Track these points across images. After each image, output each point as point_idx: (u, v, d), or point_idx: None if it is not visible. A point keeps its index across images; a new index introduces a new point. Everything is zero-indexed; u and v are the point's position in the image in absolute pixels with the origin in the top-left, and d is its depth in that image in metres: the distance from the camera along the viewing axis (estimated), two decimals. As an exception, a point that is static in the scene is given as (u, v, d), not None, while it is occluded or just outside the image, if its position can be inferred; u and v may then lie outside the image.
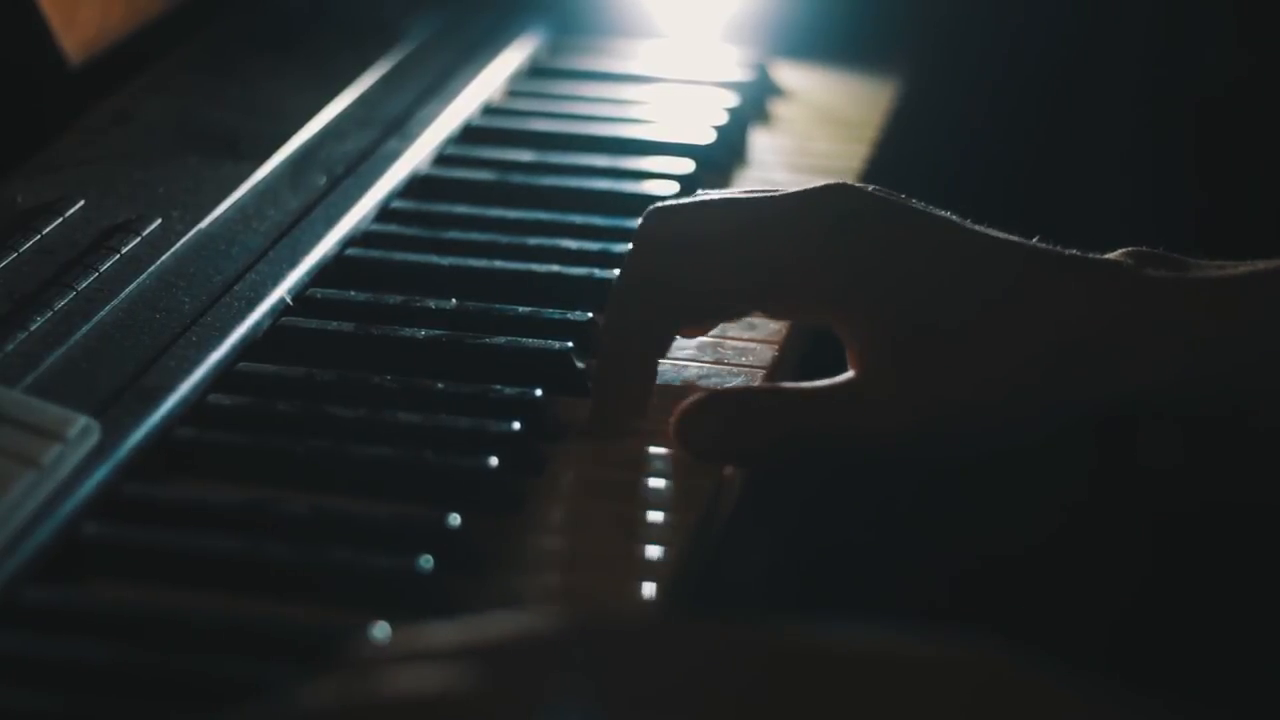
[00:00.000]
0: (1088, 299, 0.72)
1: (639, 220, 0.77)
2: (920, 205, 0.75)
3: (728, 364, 0.81)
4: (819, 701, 0.48)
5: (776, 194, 0.75)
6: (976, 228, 0.74)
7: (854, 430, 0.72)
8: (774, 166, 1.03)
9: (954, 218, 0.75)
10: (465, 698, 0.47)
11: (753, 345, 0.82)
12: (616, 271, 0.84)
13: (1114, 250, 0.74)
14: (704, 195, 0.79)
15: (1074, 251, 0.74)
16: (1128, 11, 1.28)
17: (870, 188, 0.75)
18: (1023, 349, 0.72)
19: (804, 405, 0.73)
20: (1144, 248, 0.74)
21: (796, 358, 0.83)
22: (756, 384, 0.78)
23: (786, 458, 0.74)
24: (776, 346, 0.82)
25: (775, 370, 0.81)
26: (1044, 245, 0.74)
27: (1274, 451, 0.81)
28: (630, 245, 0.77)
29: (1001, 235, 0.74)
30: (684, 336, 0.80)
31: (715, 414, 0.73)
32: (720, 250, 0.75)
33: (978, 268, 0.73)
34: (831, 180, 0.76)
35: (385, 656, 0.50)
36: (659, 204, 0.77)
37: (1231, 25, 1.28)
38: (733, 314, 0.79)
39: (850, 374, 0.73)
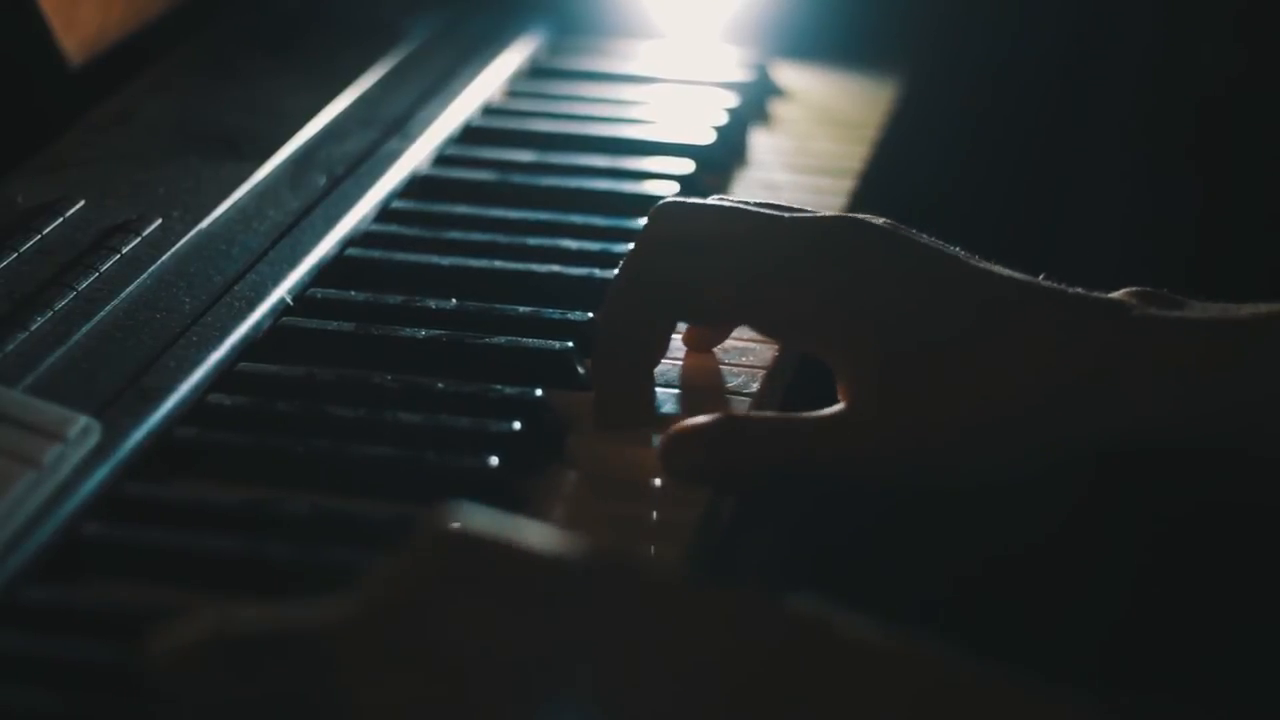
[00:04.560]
0: (1085, 336, 0.72)
1: (649, 216, 0.77)
2: (926, 240, 0.75)
3: (727, 364, 0.81)
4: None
5: (786, 216, 0.75)
6: (980, 264, 0.74)
7: (840, 461, 0.72)
8: (774, 167, 1.03)
9: (960, 254, 0.74)
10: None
11: (753, 345, 0.82)
12: (617, 271, 0.84)
13: (1119, 288, 0.74)
14: (717, 199, 0.79)
15: (1078, 290, 0.73)
16: (1127, 11, 1.28)
17: (880, 221, 0.75)
18: (1016, 383, 0.71)
19: (791, 435, 0.72)
20: (1148, 288, 0.74)
21: (795, 359, 0.83)
22: (743, 413, 0.77)
23: (771, 485, 0.74)
24: (776, 346, 0.82)
25: (775, 369, 0.81)
26: (1048, 283, 0.74)
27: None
28: (636, 238, 0.77)
29: (1005, 272, 0.74)
30: (690, 346, 0.80)
31: (701, 441, 0.73)
32: (720, 257, 0.75)
33: (976, 306, 0.73)
34: (839, 213, 0.76)
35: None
36: (669, 200, 0.77)
37: (1230, 24, 1.28)
38: (724, 321, 0.80)
39: (840, 405, 0.73)
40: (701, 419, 0.73)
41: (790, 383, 0.83)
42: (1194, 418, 0.71)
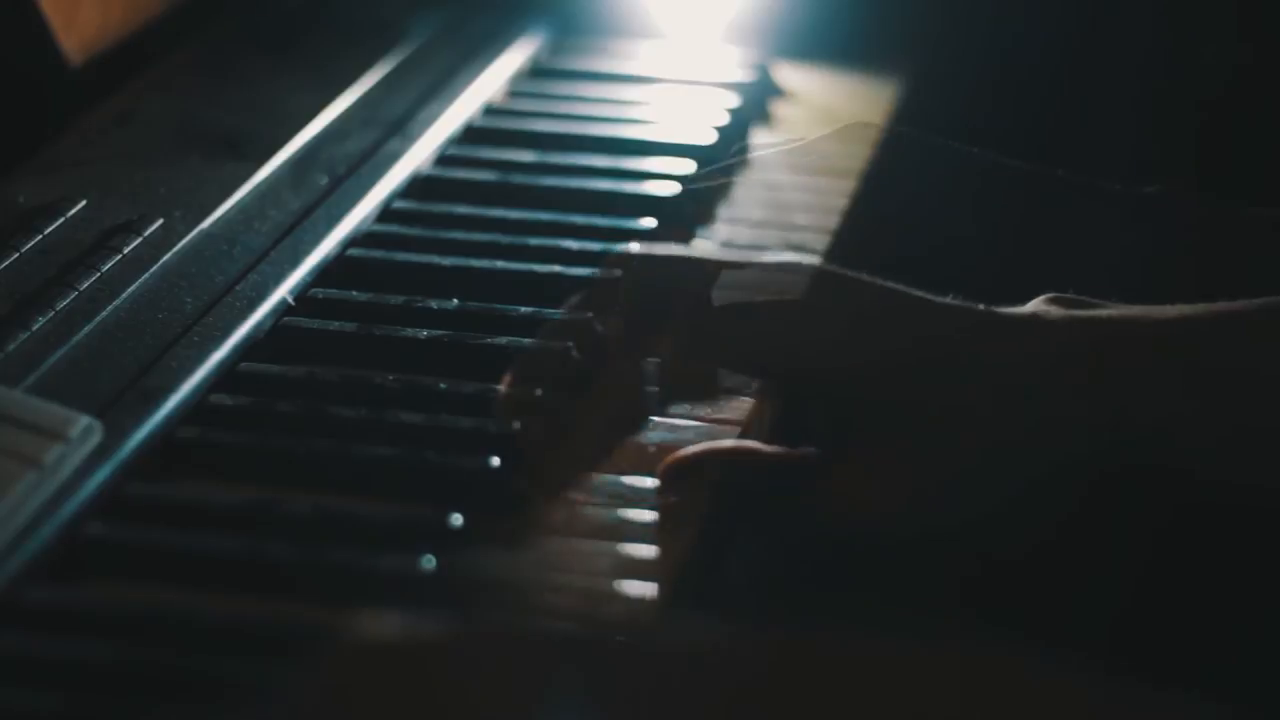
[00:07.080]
0: (1024, 353, 0.72)
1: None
2: (868, 280, 0.75)
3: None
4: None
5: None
6: (919, 298, 0.74)
7: (826, 504, 0.73)
8: (775, 167, 1.03)
9: (901, 291, 0.74)
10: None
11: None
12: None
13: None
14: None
15: (994, 309, 0.73)
16: (1127, 11, 1.28)
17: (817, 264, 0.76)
18: (980, 415, 0.72)
19: (785, 473, 0.74)
20: (1066, 294, 0.74)
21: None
22: (737, 443, 0.78)
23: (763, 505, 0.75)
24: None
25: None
26: (959, 302, 0.74)
27: (1274, 450, 0.81)
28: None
29: (941, 301, 0.74)
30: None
31: (697, 473, 0.73)
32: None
33: (929, 344, 0.73)
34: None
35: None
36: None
37: (1232, 23, 1.28)
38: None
39: (822, 451, 0.74)
40: (698, 449, 0.73)
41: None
42: (1125, 419, 0.72)
